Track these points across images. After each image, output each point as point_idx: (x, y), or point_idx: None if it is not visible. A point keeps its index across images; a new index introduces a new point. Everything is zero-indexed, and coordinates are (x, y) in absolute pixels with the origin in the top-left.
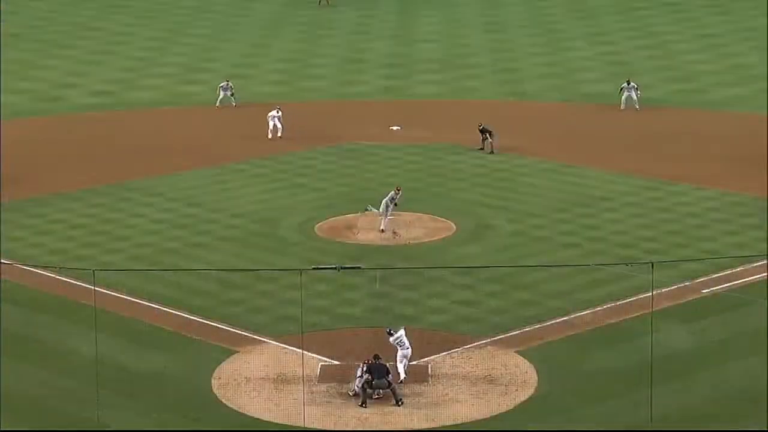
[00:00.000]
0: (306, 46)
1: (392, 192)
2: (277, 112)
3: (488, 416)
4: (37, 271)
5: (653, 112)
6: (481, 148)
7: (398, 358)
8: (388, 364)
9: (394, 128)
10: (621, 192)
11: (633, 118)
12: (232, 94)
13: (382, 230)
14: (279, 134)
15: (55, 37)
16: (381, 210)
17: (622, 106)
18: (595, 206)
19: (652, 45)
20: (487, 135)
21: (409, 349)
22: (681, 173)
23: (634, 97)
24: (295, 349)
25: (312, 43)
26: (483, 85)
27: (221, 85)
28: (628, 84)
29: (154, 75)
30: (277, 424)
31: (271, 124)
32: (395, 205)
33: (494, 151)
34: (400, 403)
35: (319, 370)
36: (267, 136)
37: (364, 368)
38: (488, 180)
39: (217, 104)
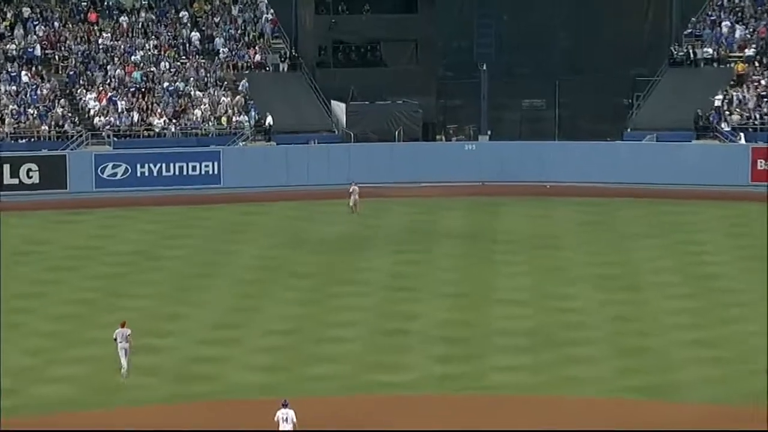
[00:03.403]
0: (313, 310)
1: None
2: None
3: None
4: None
5: None
6: None
7: None
8: None
9: None
10: None
11: None
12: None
13: None
14: None
15: None
16: None
17: None
18: None
19: None
20: None
21: None
22: None
23: None
24: None
25: (323, 304)
26: (593, 372)
27: (118, 331)
28: None
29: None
30: None
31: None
32: None
33: None
34: None
35: None
36: None
37: None
38: None
39: (124, 371)
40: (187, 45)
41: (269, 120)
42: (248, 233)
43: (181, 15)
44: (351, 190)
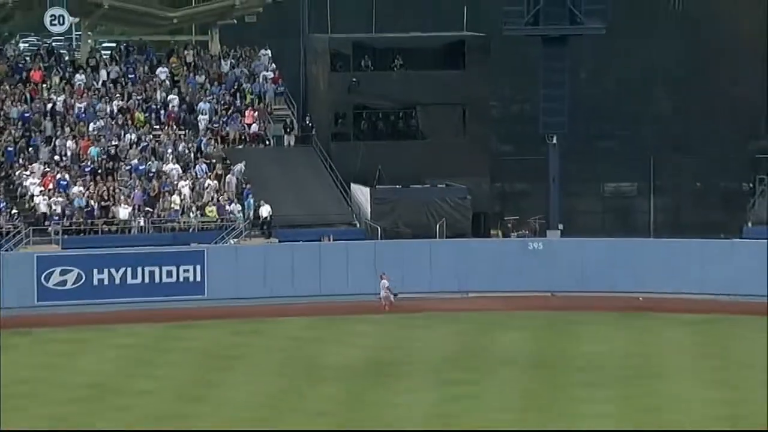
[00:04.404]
0: None
1: None
2: None
3: None
4: None
5: None
6: None
7: None
8: None
9: None
10: None
11: None
12: None
13: None
14: None
15: None
16: None
17: None
18: None
19: None
20: None
21: None
22: None
23: None
24: None
25: None
26: None
27: None
28: None
29: None
30: None
31: None
32: None
33: None
34: None
35: None
36: None
37: None
38: None
39: None
40: (162, 111)
41: (266, 210)
42: (243, 359)
43: (157, 72)
44: (381, 282)
